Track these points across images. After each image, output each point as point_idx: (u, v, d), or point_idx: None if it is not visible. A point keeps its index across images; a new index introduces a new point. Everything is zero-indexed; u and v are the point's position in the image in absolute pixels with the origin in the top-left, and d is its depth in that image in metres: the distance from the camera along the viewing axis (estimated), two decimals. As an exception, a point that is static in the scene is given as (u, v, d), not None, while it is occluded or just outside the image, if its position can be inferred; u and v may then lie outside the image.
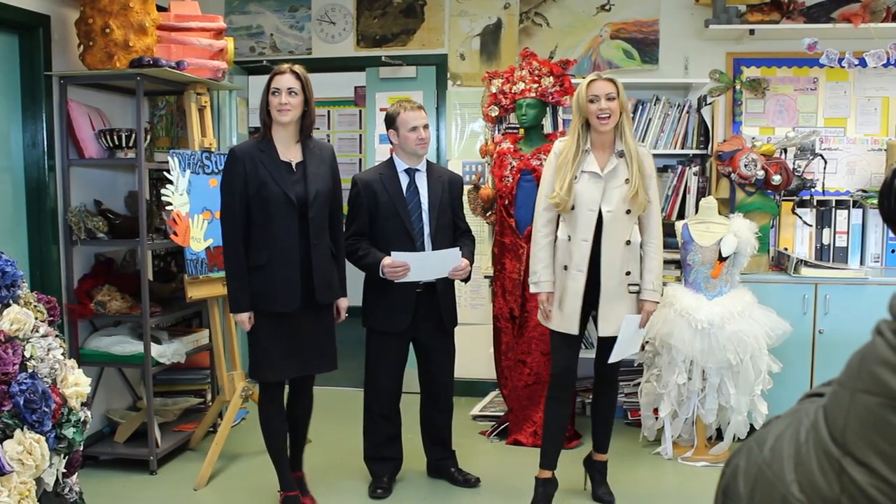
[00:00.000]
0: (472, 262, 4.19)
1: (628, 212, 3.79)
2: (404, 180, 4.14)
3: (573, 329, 3.84)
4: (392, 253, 3.98)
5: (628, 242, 3.81)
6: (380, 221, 4.10)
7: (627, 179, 3.77)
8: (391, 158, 4.22)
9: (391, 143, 4.19)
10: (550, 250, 3.89)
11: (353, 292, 4.22)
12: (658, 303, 3.91)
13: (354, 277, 4.22)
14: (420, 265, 4.00)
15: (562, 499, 4.08)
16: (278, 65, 3.76)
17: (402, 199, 4.10)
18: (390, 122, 4.12)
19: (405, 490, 4.32)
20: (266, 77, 3.74)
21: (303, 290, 3.73)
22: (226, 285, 3.86)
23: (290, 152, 3.76)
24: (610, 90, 3.74)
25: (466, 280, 4.19)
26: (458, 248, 4.04)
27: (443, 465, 4.40)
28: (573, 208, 3.78)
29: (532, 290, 3.96)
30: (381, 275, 3.99)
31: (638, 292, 3.85)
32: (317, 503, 4.06)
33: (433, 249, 4.10)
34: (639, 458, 4.72)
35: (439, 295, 4.14)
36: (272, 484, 4.22)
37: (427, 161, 4.23)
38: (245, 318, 3.72)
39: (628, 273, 3.82)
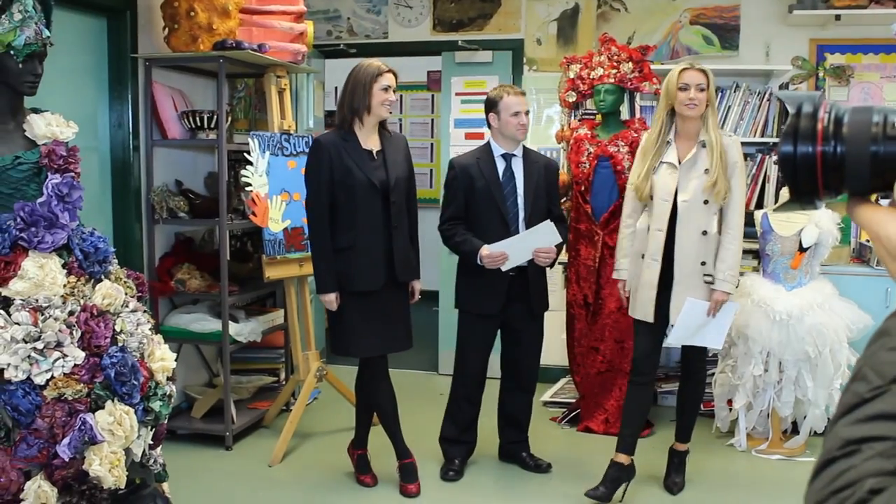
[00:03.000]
0: (562, 248, 4.20)
1: (706, 202, 3.76)
2: (500, 165, 4.15)
3: (648, 317, 3.87)
4: (487, 246, 4.00)
5: (705, 233, 3.78)
6: (475, 206, 4.13)
7: (707, 169, 3.75)
8: (488, 143, 4.24)
9: (489, 126, 4.21)
10: (632, 239, 3.94)
11: (426, 277, 4.26)
12: (730, 293, 3.85)
13: (427, 262, 4.26)
14: (516, 249, 4.00)
15: (633, 487, 4.06)
16: (378, 63, 3.88)
17: (497, 184, 4.12)
18: (491, 105, 4.14)
19: (476, 473, 4.34)
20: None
21: (386, 269, 3.88)
22: (313, 267, 3.97)
23: (370, 141, 3.92)
24: (701, 81, 3.74)
25: (551, 265, 4.20)
26: (549, 221, 4.01)
27: (515, 448, 4.41)
28: (651, 198, 3.81)
29: (614, 276, 4.09)
30: (478, 262, 4.03)
31: (712, 282, 3.81)
32: (378, 481, 4.17)
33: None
34: (711, 448, 4.67)
35: (530, 279, 4.15)
36: (346, 464, 4.29)
37: (524, 146, 4.23)
38: (332, 298, 3.87)
39: (703, 263, 3.80)
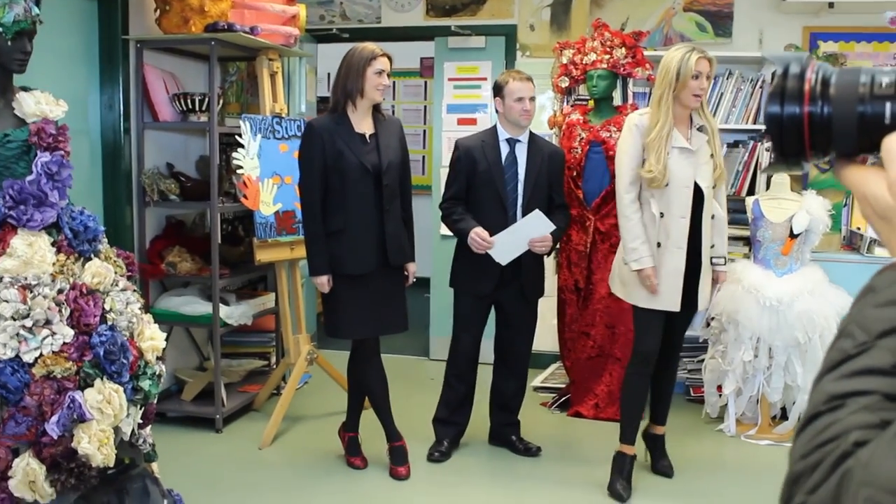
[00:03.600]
0: (560, 237, 4.22)
1: (713, 186, 3.82)
2: (504, 149, 4.16)
3: (675, 306, 3.76)
4: (479, 229, 4.01)
5: (713, 216, 3.84)
6: (475, 188, 4.14)
7: (712, 154, 3.78)
8: (495, 126, 4.25)
9: (497, 110, 4.21)
10: (643, 225, 3.75)
11: (419, 263, 4.26)
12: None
13: (419, 249, 4.26)
14: (509, 241, 4.00)
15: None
16: (372, 46, 3.88)
17: (499, 168, 4.12)
18: (497, 89, 4.16)
19: (464, 456, 4.36)
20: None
21: (377, 252, 3.89)
22: (305, 250, 3.99)
23: (363, 125, 3.92)
24: (707, 69, 3.71)
25: (549, 253, 4.22)
26: (537, 211, 4.00)
27: (505, 432, 4.43)
28: (667, 185, 3.68)
29: (634, 267, 3.74)
30: (467, 239, 4.04)
31: (723, 264, 3.91)
32: (368, 464, 4.19)
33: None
34: (701, 434, 4.69)
35: (524, 264, 4.14)
36: (335, 447, 4.30)
37: (531, 132, 4.24)
38: (324, 281, 3.88)
39: (712, 246, 3.87)
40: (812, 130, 0.85)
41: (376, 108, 3.98)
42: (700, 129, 3.78)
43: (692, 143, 3.74)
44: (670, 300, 3.75)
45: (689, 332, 4.22)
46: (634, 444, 3.94)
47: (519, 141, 4.18)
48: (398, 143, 4.01)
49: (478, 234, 4.01)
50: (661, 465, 4.13)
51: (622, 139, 3.85)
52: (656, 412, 4.17)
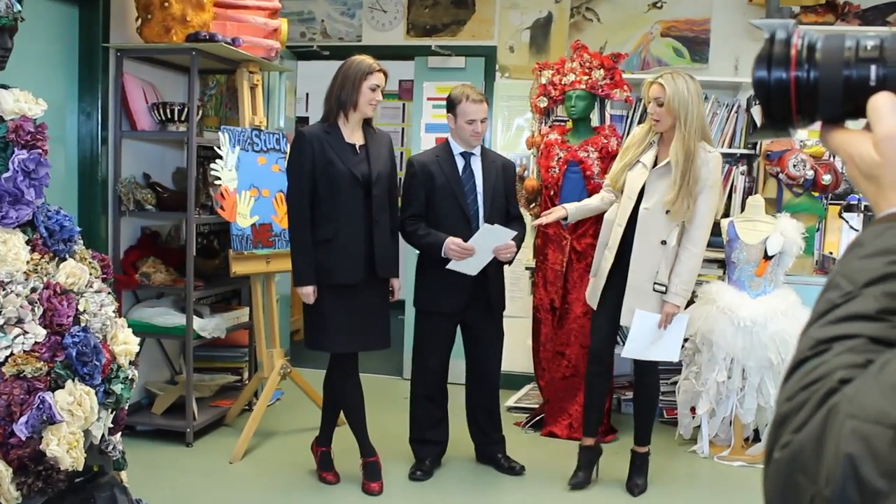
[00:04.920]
0: (519, 247, 4.19)
1: (667, 212, 3.79)
2: (460, 163, 4.17)
3: (593, 303, 4.08)
4: (454, 239, 3.99)
5: (664, 242, 3.82)
6: (436, 203, 4.12)
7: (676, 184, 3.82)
8: (447, 142, 4.25)
9: (451, 127, 4.20)
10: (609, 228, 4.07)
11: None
12: (679, 307, 3.88)
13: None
14: (477, 250, 3.98)
15: (597, 490, 4.12)
16: (370, 61, 3.88)
17: (458, 182, 4.13)
18: (450, 106, 4.15)
19: (447, 474, 4.32)
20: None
21: (365, 263, 3.87)
22: (291, 259, 3.95)
23: (354, 136, 3.93)
24: (659, 95, 3.79)
25: (510, 263, 4.20)
26: (486, 225, 3.99)
27: (491, 450, 4.40)
28: (621, 192, 3.93)
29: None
30: (442, 254, 4.00)
31: (664, 292, 3.85)
32: (340, 479, 4.14)
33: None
34: (674, 455, 4.69)
35: (490, 278, 4.14)
36: (307, 461, 4.25)
37: (482, 146, 4.26)
38: (310, 291, 3.85)
39: (658, 273, 3.85)
40: (799, 94, 0.86)
41: (367, 122, 3.98)
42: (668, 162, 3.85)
43: (660, 164, 3.85)
44: (592, 297, 4.11)
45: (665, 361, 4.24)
46: (595, 436, 4.19)
47: (473, 154, 4.20)
48: (388, 156, 4.02)
49: (454, 243, 3.98)
50: (630, 483, 4.15)
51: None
52: (636, 430, 4.20)
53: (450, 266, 4.00)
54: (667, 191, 3.77)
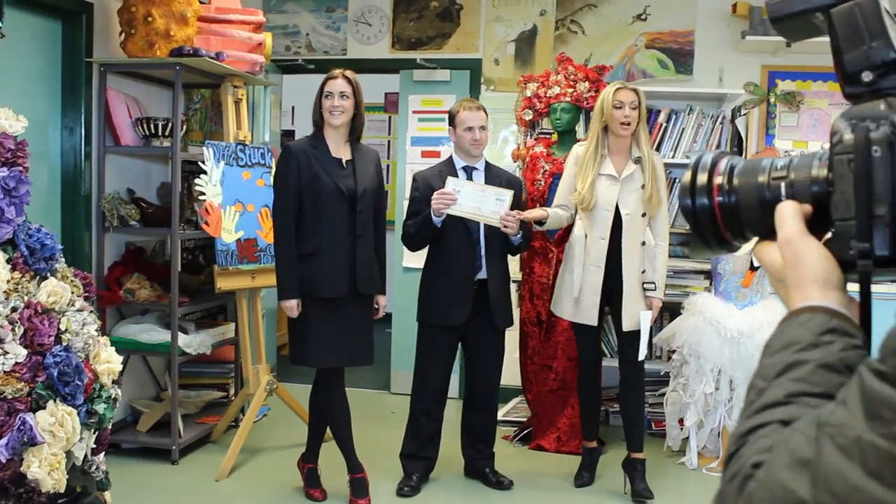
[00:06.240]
0: (524, 248, 4.34)
1: (643, 214, 4.05)
2: (462, 177, 4.15)
3: (593, 320, 4.11)
4: (448, 179, 3.98)
5: (643, 243, 4.08)
6: None
7: (644, 185, 4.03)
8: (451, 157, 4.27)
9: (452, 140, 4.24)
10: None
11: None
12: (662, 300, 4.18)
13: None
14: (470, 197, 3.94)
15: (592, 501, 4.11)
16: (332, 69, 3.95)
17: None
18: (450, 119, 4.20)
19: (436, 489, 4.29)
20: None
21: (349, 277, 3.87)
22: (276, 272, 3.93)
23: (340, 150, 3.94)
24: (634, 99, 4.02)
25: (514, 252, 4.26)
26: (507, 191, 3.96)
27: (480, 465, 4.37)
28: (593, 208, 4.04)
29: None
30: (432, 218, 3.95)
31: (654, 289, 4.09)
32: (327, 496, 4.11)
33: (488, 249, 4.10)
34: (663, 467, 4.67)
35: (492, 292, 4.13)
36: (294, 478, 4.22)
37: (487, 162, 4.27)
38: (294, 305, 3.84)
39: (643, 272, 4.09)
40: (724, 217, 0.95)
41: (356, 137, 3.98)
42: (637, 160, 4.04)
43: (623, 172, 4.04)
44: (588, 314, 4.12)
45: (650, 366, 4.50)
46: (592, 440, 4.39)
47: (476, 168, 4.20)
48: (375, 172, 4.01)
49: (441, 191, 3.93)
50: (639, 489, 4.15)
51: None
52: (628, 438, 4.25)
53: (451, 210, 3.93)
54: (639, 194, 4.03)
